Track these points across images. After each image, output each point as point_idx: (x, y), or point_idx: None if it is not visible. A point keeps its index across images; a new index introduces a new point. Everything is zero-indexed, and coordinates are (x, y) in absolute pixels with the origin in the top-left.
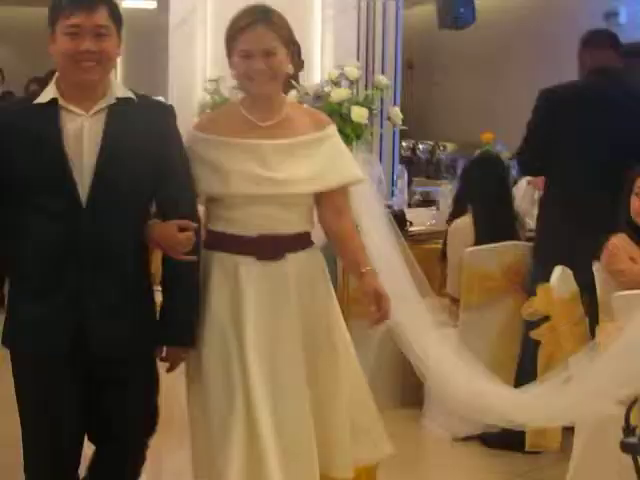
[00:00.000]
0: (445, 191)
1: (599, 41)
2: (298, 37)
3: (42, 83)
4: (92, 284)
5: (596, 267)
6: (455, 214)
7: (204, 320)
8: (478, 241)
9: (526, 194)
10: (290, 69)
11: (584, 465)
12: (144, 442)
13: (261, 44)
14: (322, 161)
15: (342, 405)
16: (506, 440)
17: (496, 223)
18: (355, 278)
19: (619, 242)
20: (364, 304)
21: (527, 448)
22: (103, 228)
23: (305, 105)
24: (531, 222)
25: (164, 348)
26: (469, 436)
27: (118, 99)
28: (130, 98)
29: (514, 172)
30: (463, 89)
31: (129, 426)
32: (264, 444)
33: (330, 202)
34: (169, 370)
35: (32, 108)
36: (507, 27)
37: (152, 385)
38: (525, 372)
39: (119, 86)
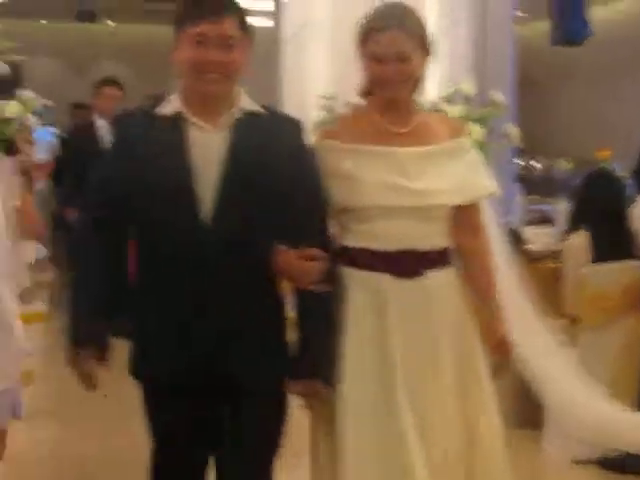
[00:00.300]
0: (561, 209)
1: None
2: None
3: (158, 100)
4: (218, 305)
5: None
6: (570, 232)
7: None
8: (595, 260)
9: None
10: (424, 73)
11: None
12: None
13: (394, 48)
14: (462, 171)
15: (494, 429)
16: (628, 464)
17: (613, 242)
18: (482, 305)
19: None
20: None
21: None
22: (228, 246)
23: None
24: None
25: (298, 382)
26: (588, 459)
27: (245, 112)
28: (258, 112)
29: (630, 190)
30: (578, 105)
31: (254, 453)
32: None
33: (466, 217)
34: (306, 407)
35: (155, 118)
36: (624, 41)
37: (281, 415)
38: None
39: (247, 99)
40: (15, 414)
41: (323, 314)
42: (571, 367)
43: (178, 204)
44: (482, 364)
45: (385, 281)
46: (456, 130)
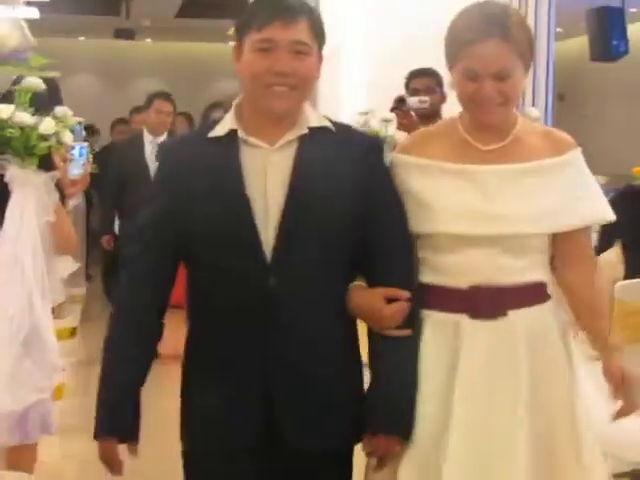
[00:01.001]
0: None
1: None
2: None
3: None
4: (288, 360)
5: None
6: (603, 247)
7: None
8: (628, 276)
9: None
10: (524, 86)
11: None
12: None
13: (493, 65)
14: (560, 193)
15: None
16: None
17: None
18: (594, 347)
19: None
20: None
21: None
22: (294, 289)
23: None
24: None
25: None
26: (620, 473)
27: (311, 129)
28: (327, 128)
29: None
30: (614, 121)
31: None
32: None
33: (568, 246)
34: (378, 467)
35: (206, 142)
36: None
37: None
38: None
39: (313, 113)
40: (47, 430)
41: (403, 362)
42: (601, 382)
43: (232, 244)
44: (582, 415)
45: (460, 323)
46: (561, 145)
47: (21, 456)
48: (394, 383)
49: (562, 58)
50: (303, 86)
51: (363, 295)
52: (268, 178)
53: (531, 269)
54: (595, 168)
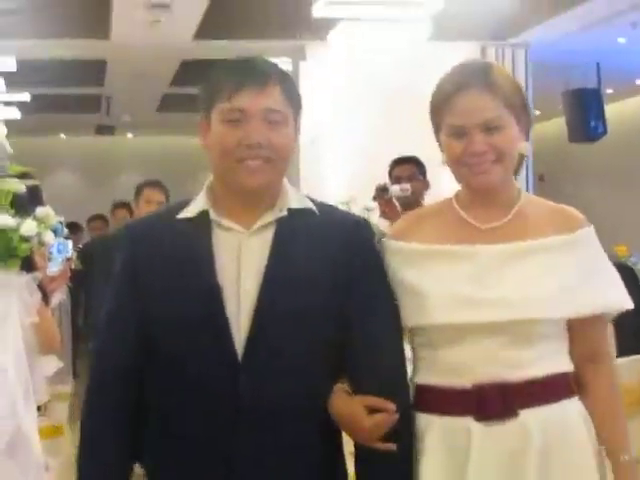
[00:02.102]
0: None
1: None
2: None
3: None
4: (254, 475)
5: None
6: None
7: None
8: (622, 350)
9: None
10: (526, 148)
11: None
12: None
13: (479, 115)
14: (571, 275)
15: None
16: None
17: (636, 333)
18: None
19: None
20: None
21: None
22: (267, 390)
23: None
24: None
25: None
26: None
27: (291, 210)
28: (309, 209)
29: None
30: (594, 200)
31: None
32: None
33: (580, 338)
34: None
35: (175, 224)
36: (638, 138)
37: None
38: None
39: (294, 193)
40: None
41: (391, 474)
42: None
43: (200, 337)
44: None
45: (465, 427)
46: (570, 220)
47: None
48: None
49: (541, 139)
50: (279, 158)
51: (345, 401)
52: (242, 265)
53: (546, 359)
54: None
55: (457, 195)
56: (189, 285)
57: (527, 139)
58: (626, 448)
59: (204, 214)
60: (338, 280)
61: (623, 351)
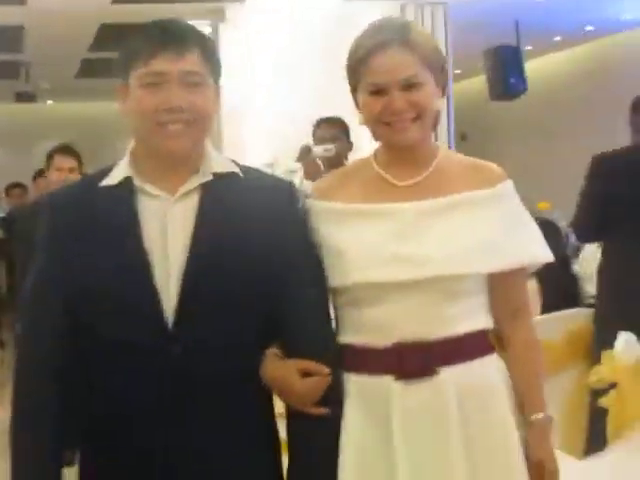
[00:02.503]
0: None
1: None
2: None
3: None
4: (191, 443)
5: None
6: None
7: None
8: (545, 304)
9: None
10: (440, 105)
11: None
12: None
13: (398, 72)
14: (493, 229)
15: None
16: None
17: (559, 288)
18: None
19: None
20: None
21: None
22: (201, 359)
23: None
24: (592, 289)
25: None
26: None
27: (216, 175)
28: (234, 173)
29: (573, 239)
30: (516, 158)
31: None
32: None
33: (501, 294)
34: None
35: (98, 192)
36: (558, 94)
37: None
38: (595, 440)
39: (217, 157)
40: None
41: (321, 445)
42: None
43: (130, 310)
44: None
45: (387, 386)
46: (492, 177)
47: None
48: (309, 465)
49: (462, 98)
50: (201, 121)
51: (276, 367)
52: (169, 232)
53: (467, 317)
54: None
55: (375, 154)
56: (116, 254)
57: (443, 96)
58: (540, 406)
59: (127, 181)
60: (265, 245)
61: (546, 308)
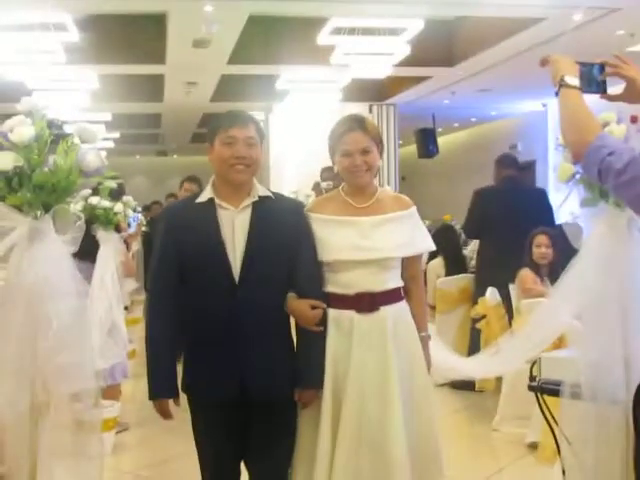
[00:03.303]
0: None
1: (505, 161)
2: None
3: (173, 196)
4: (250, 343)
5: (512, 287)
6: (431, 259)
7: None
8: (447, 272)
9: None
10: (379, 163)
11: (508, 397)
12: (289, 462)
13: (360, 144)
14: (408, 233)
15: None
16: (465, 385)
17: (455, 263)
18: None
19: (526, 272)
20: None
21: (476, 388)
22: (253, 298)
23: None
24: (474, 263)
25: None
26: (444, 383)
27: (260, 197)
28: (269, 196)
29: (464, 236)
30: (434, 190)
31: (280, 449)
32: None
33: (409, 267)
34: (304, 407)
35: (194, 206)
36: (456, 156)
37: (295, 417)
38: (474, 349)
39: (259, 186)
40: (125, 375)
41: (319, 343)
42: (432, 334)
43: (214, 273)
44: (426, 378)
45: (351, 317)
46: (406, 204)
47: (112, 391)
48: (310, 358)
49: (403, 157)
50: (254, 165)
51: (295, 303)
52: (235, 229)
53: (392, 280)
54: (424, 215)
55: (343, 187)
56: (205, 241)
57: (380, 158)
58: (424, 328)
59: (211, 200)
60: (288, 238)
61: (448, 273)
